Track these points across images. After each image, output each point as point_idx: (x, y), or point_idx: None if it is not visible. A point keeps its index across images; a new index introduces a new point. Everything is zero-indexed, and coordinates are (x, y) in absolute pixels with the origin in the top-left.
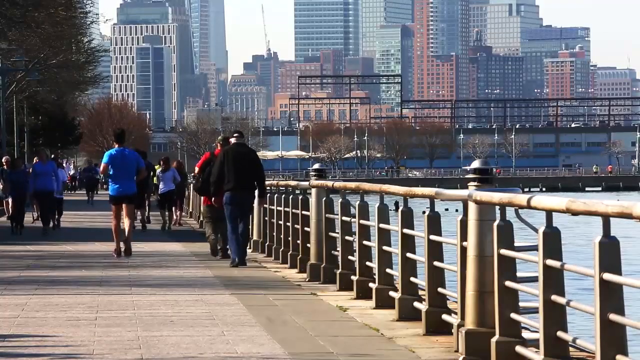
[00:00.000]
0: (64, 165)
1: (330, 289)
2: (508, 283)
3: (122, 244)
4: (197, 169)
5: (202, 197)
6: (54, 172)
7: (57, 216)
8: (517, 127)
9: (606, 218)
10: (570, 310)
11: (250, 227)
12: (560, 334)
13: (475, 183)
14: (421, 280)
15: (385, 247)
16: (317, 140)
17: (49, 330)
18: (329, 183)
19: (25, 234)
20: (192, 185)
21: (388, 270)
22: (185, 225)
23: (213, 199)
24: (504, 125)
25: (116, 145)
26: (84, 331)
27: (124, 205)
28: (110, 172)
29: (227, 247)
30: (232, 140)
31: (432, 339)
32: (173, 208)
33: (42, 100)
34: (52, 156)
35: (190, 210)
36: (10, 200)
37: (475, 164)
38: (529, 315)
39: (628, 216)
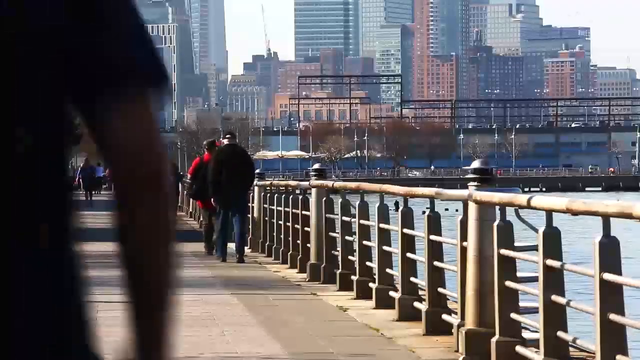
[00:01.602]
0: None
1: (330, 289)
2: (508, 283)
3: None
4: (189, 176)
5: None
6: None
7: None
8: (517, 127)
9: (606, 218)
10: (570, 310)
11: (249, 226)
12: (560, 334)
13: (476, 183)
14: (421, 280)
15: (385, 247)
16: (317, 140)
17: None
18: (329, 183)
19: None
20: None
21: (388, 270)
22: (185, 225)
23: (212, 199)
24: (504, 125)
25: None
26: None
27: None
28: None
29: (213, 244)
30: (225, 141)
31: (432, 339)
32: None
33: None
34: None
35: (190, 210)
36: None
37: (476, 164)
38: (529, 315)
39: (628, 216)
